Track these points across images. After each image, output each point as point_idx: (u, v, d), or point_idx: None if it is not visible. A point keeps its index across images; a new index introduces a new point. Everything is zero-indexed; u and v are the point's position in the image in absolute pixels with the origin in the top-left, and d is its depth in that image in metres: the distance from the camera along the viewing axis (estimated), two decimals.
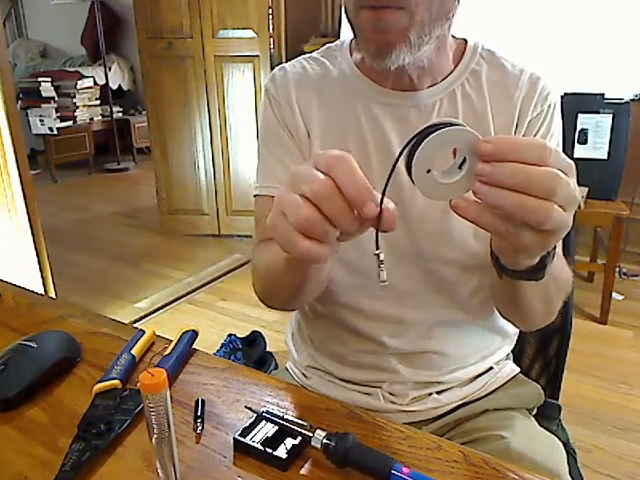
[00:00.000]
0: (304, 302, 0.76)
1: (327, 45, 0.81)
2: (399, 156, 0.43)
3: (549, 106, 0.72)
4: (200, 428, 0.59)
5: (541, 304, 0.67)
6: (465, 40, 0.76)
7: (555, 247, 0.51)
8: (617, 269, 2.43)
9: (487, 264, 0.70)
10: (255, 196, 0.78)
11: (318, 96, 0.76)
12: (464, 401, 0.80)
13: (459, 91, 0.72)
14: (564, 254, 0.66)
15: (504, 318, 0.75)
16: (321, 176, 0.42)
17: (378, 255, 0.44)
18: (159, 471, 0.50)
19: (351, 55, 0.77)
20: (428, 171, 0.44)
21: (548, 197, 0.41)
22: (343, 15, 0.69)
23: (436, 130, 0.42)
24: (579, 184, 0.45)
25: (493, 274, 0.59)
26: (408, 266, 0.74)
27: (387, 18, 0.60)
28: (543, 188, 0.41)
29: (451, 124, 0.43)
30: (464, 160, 0.44)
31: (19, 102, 4.30)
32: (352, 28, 0.67)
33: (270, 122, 0.77)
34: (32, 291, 0.94)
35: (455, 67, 0.73)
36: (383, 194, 0.43)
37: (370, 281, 0.75)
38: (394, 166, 0.43)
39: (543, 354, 0.97)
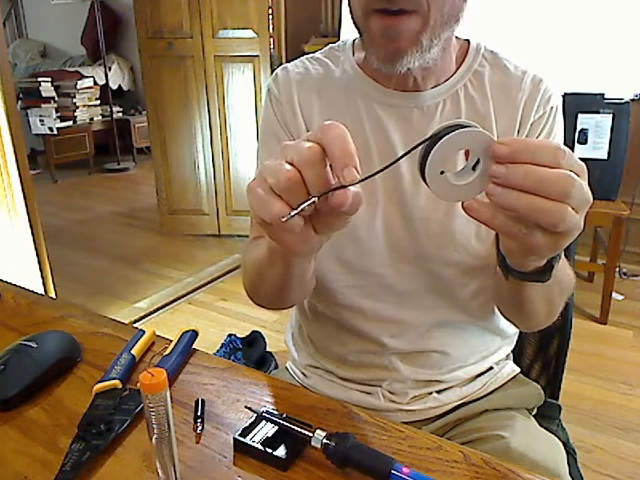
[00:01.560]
0: (289, 301, 0.74)
1: (330, 45, 0.81)
2: (403, 155, 0.43)
3: (551, 108, 0.72)
4: (200, 428, 0.59)
5: (544, 306, 0.67)
6: (468, 41, 0.76)
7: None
8: (617, 269, 2.43)
9: (488, 266, 0.70)
10: None
11: (320, 96, 0.76)
12: (464, 401, 0.80)
13: (462, 92, 0.72)
14: (565, 255, 0.66)
15: (505, 319, 0.75)
16: (310, 143, 0.41)
17: (314, 201, 0.42)
18: (159, 471, 0.50)
19: (354, 55, 0.77)
20: (441, 173, 0.44)
21: (562, 199, 0.41)
22: (344, 16, 0.68)
23: (450, 132, 0.42)
24: None
25: (497, 275, 0.59)
26: (409, 267, 0.74)
27: (399, 25, 0.60)
28: (557, 190, 0.41)
29: (464, 125, 0.43)
30: (477, 162, 0.44)
31: (19, 102, 4.30)
32: (359, 32, 0.66)
33: (271, 122, 0.77)
34: (32, 291, 0.94)
35: (458, 68, 0.73)
36: (366, 178, 0.42)
37: (370, 282, 0.76)
38: (395, 161, 0.43)
39: (543, 354, 0.97)
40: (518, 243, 0.46)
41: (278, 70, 0.79)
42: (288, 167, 0.41)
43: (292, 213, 0.42)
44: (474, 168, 0.44)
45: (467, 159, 0.45)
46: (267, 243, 0.58)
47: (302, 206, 0.42)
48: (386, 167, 0.43)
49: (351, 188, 0.41)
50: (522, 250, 0.48)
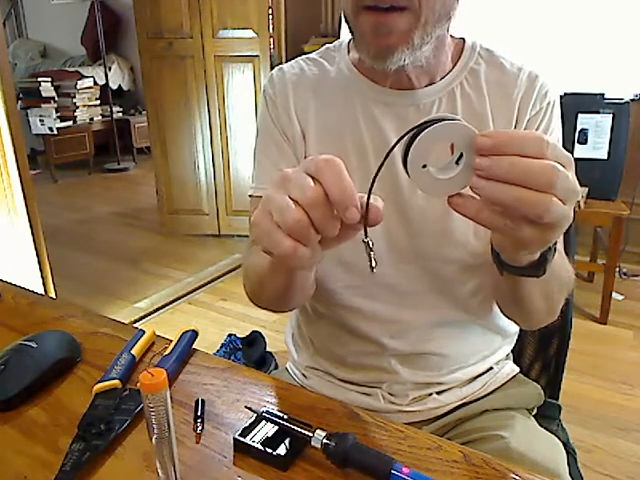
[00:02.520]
0: (291, 305, 0.76)
1: (326, 46, 0.81)
2: (391, 149, 0.43)
3: (548, 103, 0.72)
4: (200, 428, 0.59)
5: (543, 302, 0.67)
6: (463, 39, 0.76)
7: (556, 243, 0.51)
8: (617, 269, 2.43)
9: (487, 263, 0.70)
10: (250, 196, 0.78)
11: (315, 97, 0.76)
12: (464, 401, 0.80)
13: (458, 90, 0.72)
14: (565, 252, 0.66)
15: (506, 317, 0.75)
16: (311, 183, 0.41)
17: (368, 242, 0.44)
18: (159, 471, 0.50)
19: (349, 54, 0.77)
20: (424, 166, 0.44)
21: (547, 190, 0.41)
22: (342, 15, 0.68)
23: (432, 124, 0.42)
24: (579, 184, 0.45)
25: (494, 272, 0.59)
26: (408, 266, 0.74)
27: (390, 22, 0.60)
28: (541, 181, 0.41)
29: (447, 119, 0.43)
30: (461, 156, 0.44)
31: (19, 102, 4.30)
32: (350, 29, 0.66)
33: (267, 124, 0.77)
34: (32, 291, 0.94)
35: (454, 66, 0.73)
36: (370, 189, 0.43)
37: (370, 282, 0.76)
38: (384, 159, 0.43)
39: (543, 354, 0.97)
40: (507, 237, 0.46)
41: (274, 71, 0.79)
42: (293, 206, 0.41)
43: (372, 260, 0.45)
44: (458, 162, 0.44)
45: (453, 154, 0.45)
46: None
47: (372, 255, 0.44)
48: (379, 168, 0.43)
49: (377, 204, 0.43)
50: (513, 244, 0.48)
